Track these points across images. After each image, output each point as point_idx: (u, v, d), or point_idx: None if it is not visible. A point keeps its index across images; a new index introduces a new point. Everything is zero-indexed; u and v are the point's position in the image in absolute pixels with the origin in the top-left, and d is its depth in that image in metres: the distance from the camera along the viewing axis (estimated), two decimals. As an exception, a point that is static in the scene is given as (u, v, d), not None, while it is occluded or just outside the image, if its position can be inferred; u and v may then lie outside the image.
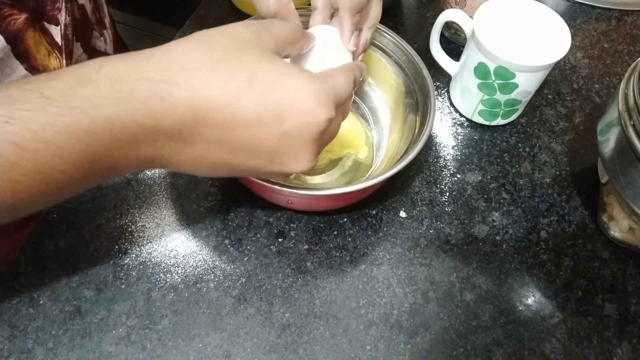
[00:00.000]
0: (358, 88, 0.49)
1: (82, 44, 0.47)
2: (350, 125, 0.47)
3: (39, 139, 0.21)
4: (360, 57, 0.38)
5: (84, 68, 0.23)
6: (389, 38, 0.43)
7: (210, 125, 0.24)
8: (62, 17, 0.42)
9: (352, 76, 0.30)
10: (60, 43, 0.42)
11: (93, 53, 0.49)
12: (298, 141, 0.26)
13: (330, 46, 0.34)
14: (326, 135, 0.28)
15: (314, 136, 0.26)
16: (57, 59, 0.42)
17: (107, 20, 0.54)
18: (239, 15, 0.57)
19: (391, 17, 0.58)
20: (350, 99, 0.31)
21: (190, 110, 0.24)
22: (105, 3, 0.55)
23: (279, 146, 0.26)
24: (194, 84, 0.24)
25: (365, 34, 0.37)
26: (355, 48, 0.35)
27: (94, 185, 0.26)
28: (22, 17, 0.38)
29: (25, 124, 0.21)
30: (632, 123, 0.35)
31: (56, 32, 0.42)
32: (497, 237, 0.43)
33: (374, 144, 0.47)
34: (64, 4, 0.42)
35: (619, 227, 0.42)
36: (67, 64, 0.43)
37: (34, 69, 0.40)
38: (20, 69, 0.39)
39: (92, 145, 0.23)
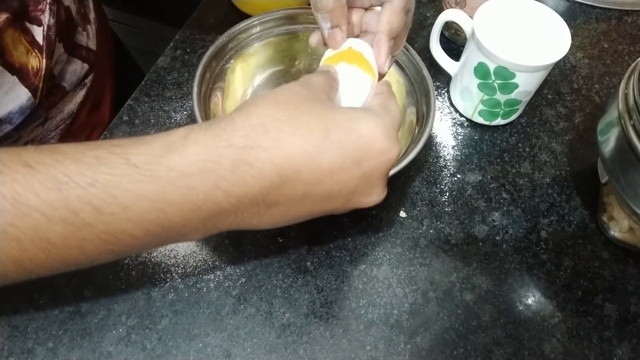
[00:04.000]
0: None
1: (65, 44, 0.46)
2: None
3: (119, 204, 0.22)
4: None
5: (170, 136, 0.24)
6: (389, 38, 0.43)
7: (295, 182, 0.25)
8: (46, 18, 0.42)
9: (395, 98, 0.31)
10: (41, 43, 0.42)
11: (74, 49, 0.49)
12: (374, 179, 0.27)
13: (353, 76, 0.33)
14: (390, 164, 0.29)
15: (388, 171, 0.28)
16: (37, 58, 0.42)
17: (91, 15, 0.53)
18: (239, 15, 0.57)
19: (391, 17, 0.58)
20: None
21: (277, 171, 0.24)
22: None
23: (357, 187, 0.27)
24: (278, 144, 0.24)
25: (392, 61, 0.37)
26: (387, 71, 0.35)
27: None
28: (2, 17, 0.38)
29: (108, 188, 0.22)
30: (632, 123, 0.35)
31: (38, 32, 0.41)
32: (497, 237, 0.43)
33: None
34: (48, 6, 0.42)
35: (619, 227, 0.42)
36: (47, 63, 0.42)
37: (9, 65, 0.40)
38: None
39: (169, 215, 0.23)
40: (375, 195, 0.29)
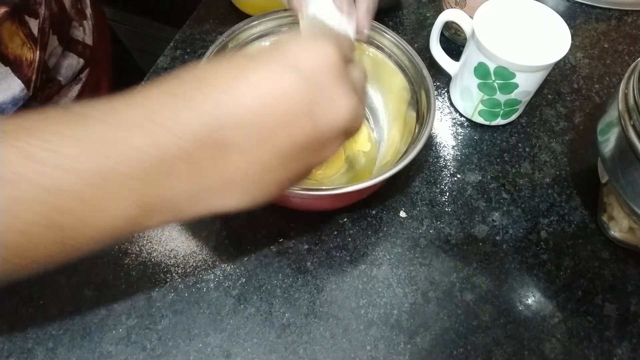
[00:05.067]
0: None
1: (59, 36, 0.46)
2: None
3: (54, 150, 0.20)
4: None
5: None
6: (389, 38, 0.43)
7: (236, 116, 0.22)
8: (42, 10, 0.42)
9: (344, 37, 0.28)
10: (36, 35, 0.42)
11: (69, 43, 0.49)
12: (324, 82, 0.23)
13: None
14: (351, 77, 0.25)
15: (333, 68, 0.24)
16: (31, 50, 0.42)
17: (88, 11, 0.53)
18: (239, 15, 0.57)
19: (391, 17, 0.58)
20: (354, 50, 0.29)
21: (215, 113, 0.22)
22: None
23: (311, 97, 0.23)
24: (203, 89, 0.23)
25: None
26: (367, 33, 0.35)
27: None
28: (1, 10, 0.38)
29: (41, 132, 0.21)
30: (632, 123, 0.35)
31: (34, 24, 0.41)
32: (497, 237, 0.43)
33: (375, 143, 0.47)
34: None
35: (619, 227, 0.42)
36: (41, 55, 0.42)
37: (4, 56, 0.40)
38: None
39: (112, 161, 0.21)
40: (342, 105, 0.24)
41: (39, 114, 0.21)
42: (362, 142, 0.47)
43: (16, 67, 0.41)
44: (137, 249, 0.41)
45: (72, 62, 0.49)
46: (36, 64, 0.42)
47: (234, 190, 0.24)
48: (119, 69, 0.62)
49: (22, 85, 0.42)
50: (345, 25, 0.35)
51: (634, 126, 0.34)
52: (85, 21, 0.52)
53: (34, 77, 0.43)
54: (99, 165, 0.21)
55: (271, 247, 0.42)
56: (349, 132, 0.25)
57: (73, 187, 0.20)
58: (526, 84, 0.44)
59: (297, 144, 0.23)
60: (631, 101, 0.35)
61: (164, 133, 0.21)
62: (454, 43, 0.57)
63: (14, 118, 0.21)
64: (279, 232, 0.42)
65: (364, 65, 0.31)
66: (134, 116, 0.21)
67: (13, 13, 0.39)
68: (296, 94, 0.22)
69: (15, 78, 0.41)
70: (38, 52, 0.42)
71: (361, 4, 0.36)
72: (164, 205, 0.23)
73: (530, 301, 0.40)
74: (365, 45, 0.45)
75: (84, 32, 0.52)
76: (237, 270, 0.40)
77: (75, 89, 0.51)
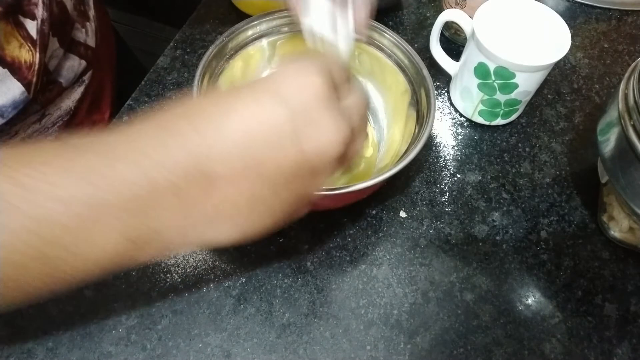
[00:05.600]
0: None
1: (59, 39, 0.46)
2: None
3: (46, 181, 0.21)
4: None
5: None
6: (389, 38, 0.43)
7: (222, 149, 0.22)
8: (39, 12, 0.42)
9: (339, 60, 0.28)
10: (35, 37, 0.41)
11: (71, 45, 0.49)
12: (309, 110, 0.23)
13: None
14: (341, 102, 0.25)
15: (318, 96, 0.23)
16: (30, 52, 0.41)
17: (91, 13, 0.53)
18: (238, 15, 0.57)
19: (391, 17, 0.58)
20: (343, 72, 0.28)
21: (195, 130, 0.22)
22: None
23: (295, 125, 0.23)
24: (194, 111, 0.23)
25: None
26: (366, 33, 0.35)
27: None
28: None
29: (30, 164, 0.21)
30: (632, 123, 0.35)
31: (32, 26, 0.41)
32: (497, 237, 0.43)
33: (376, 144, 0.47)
34: (41, 0, 0.41)
35: (619, 227, 0.42)
36: (41, 58, 0.42)
37: (0, 58, 0.39)
38: None
39: (100, 191, 0.21)
40: (328, 129, 0.23)
41: (33, 145, 0.22)
42: (365, 147, 0.46)
43: (15, 70, 0.41)
44: (137, 249, 0.41)
45: (73, 64, 0.49)
46: (36, 66, 0.42)
47: (224, 223, 0.24)
48: (122, 69, 0.62)
49: (23, 89, 0.42)
50: (342, 32, 0.34)
51: (634, 126, 0.34)
52: (88, 23, 0.52)
53: (34, 80, 0.42)
54: (88, 196, 0.21)
55: (271, 247, 0.42)
56: (342, 158, 0.25)
57: (61, 217, 0.20)
58: (526, 84, 0.44)
59: (285, 172, 0.23)
60: (631, 101, 0.35)
61: (153, 166, 0.21)
62: (454, 43, 0.57)
63: (7, 148, 0.21)
64: (279, 232, 0.42)
65: (360, 86, 0.30)
66: (125, 149, 0.22)
67: (7, 13, 0.39)
68: (281, 124, 0.22)
69: (15, 81, 0.41)
70: (38, 55, 0.42)
71: (358, 3, 0.36)
72: (153, 237, 0.23)
73: (530, 301, 0.40)
74: (365, 45, 0.45)
75: (87, 34, 0.52)
76: (237, 270, 0.40)
77: (78, 91, 0.51)
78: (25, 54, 0.41)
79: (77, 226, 0.21)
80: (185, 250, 0.24)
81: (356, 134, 0.26)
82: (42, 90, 0.45)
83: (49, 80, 0.46)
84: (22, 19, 0.40)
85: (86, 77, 0.52)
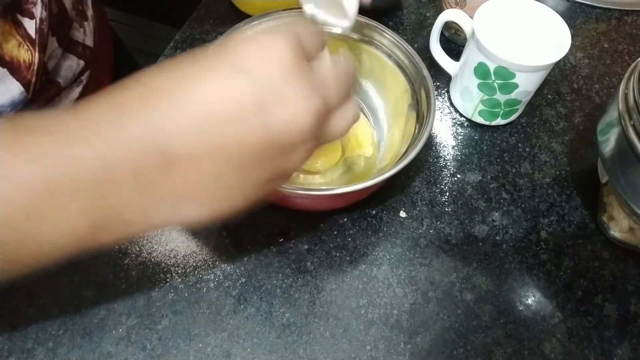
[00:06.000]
0: (358, 89, 0.49)
1: (58, 38, 0.46)
2: (361, 124, 0.48)
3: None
4: None
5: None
6: (389, 38, 0.43)
7: (179, 126, 0.21)
8: (38, 11, 0.41)
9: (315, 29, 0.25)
10: (34, 36, 0.41)
11: (69, 44, 0.49)
12: (274, 83, 0.21)
13: None
14: (315, 74, 0.23)
15: (284, 68, 0.22)
16: (29, 52, 0.41)
17: (89, 12, 0.53)
18: (238, 15, 0.57)
19: (391, 17, 0.58)
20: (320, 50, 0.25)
21: (157, 120, 0.21)
22: None
23: (260, 98, 0.21)
24: (146, 95, 0.22)
25: None
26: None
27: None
28: None
29: None
30: (632, 123, 0.35)
31: (30, 25, 0.41)
32: (497, 237, 0.43)
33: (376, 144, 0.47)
34: None
35: (619, 227, 0.42)
36: (40, 57, 0.42)
37: (0, 58, 0.39)
38: None
39: (50, 172, 0.21)
40: (295, 101, 0.22)
41: None
42: (365, 146, 0.46)
43: (14, 69, 0.41)
44: (137, 249, 0.41)
45: (71, 64, 0.49)
46: (35, 66, 0.42)
47: (190, 202, 0.23)
48: (120, 69, 0.62)
49: (22, 88, 0.42)
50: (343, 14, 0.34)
51: (634, 126, 0.34)
52: (86, 22, 0.52)
53: (33, 80, 0.42)
54: (42, 178, 0.20)
55: (271, 247, 0.42)
56: (317, 133, 0.23)
57: (16, 199, 0.20)
58: (526, 84, 0.44)
59: (251, 149, 0.22)
60: (631, 101, 0.35)
61: (107, 145, 0.21)
62: (454, 43, 0.57)
63: None
64: (279, 232, 0.42)
65: (346, 55, 0.27)
66: (80, 128, 0.21)
67: (5, 12, 0.39)
68: (244, 99, 0.21)
69: (14, 81, 0.41)
70: (37, 55, 0.42)
71: None
72: (114, 217, 0.22)
73: (530, 301, 0.40)
74: (365, 45, 0.45)
75: (85, 34, 0.52)
76: (237, 270, 0.40)
77: (76, 91, 0.51)
78: (24, 54, 0.41)
79: (32, 208, 0.20)
80: (153, 231, 0.23)
81: (333, 105, 0.24)
82: (40, 90, 0.45)
83: (48, 80, 0.46)
84: (20, 17, 0.40)
85: (84, 77, 0.52)
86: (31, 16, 0.41)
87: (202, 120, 0.21)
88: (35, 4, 0.41)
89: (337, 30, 0.41)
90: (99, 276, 0.39)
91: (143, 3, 1.05)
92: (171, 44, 0.54)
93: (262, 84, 0.21)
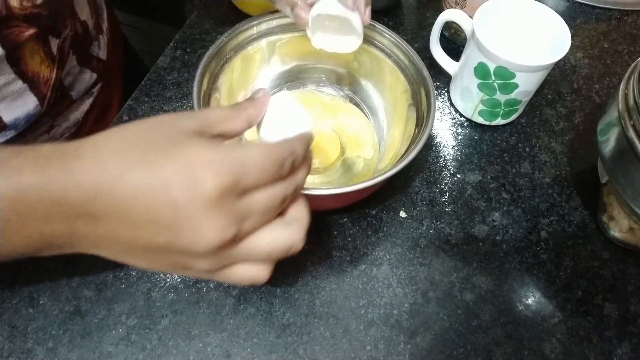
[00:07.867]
0: (358, 89, 0.49)
1: (78, 57, 0.47)
2: (363, 126, 0.48)
3: None
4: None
5: (22, 147, 0.24)
6: (389, 38, 0.43)
7: (109, 198, 0.24)
8: (66, 31, 0.42)
9: (278, 150, 0.26)
10: (55, 53, 0.42)
11: (86, 59, 0.49)
12: (192, 210, 0.24)
13: (287, 111, 0.32)
14: (240, 207, 0.25)
15: (206, 202, 0.24)
16: (49, 68, 0.42)
17: (104, 25, 0.53)
18: (238, 15, 0.57)
19: (391, 17, 0.58)
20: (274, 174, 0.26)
21: (94, 183, 0.24)
22: (106, 6, 0.55)
23: (176, 216, 0.24)
24: (98, 158, 0.24)
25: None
26: (368, 21, 0.39)
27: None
28: (30, 32, 0.38)
29: None
30: (632, 123, 0.35)
31: (54, 43, 0.42)
32: (497, 237, 0.43)
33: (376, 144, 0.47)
34: (69, 20, 0.42)
35: (619, 227, 0.42)
36: (57, 73, 0.43)
37: (22, 73, 0.40)
38: (8, 72, 0.39)
39: (6, 212, 0.23)
40: (203, 230, 0.24)
41: None
42: (366, 148, 0.46)
43: (33, 84, 0.41)
44: (137, 249, 0.41)
45: (85, 77, 0.50)
46: (52, 81, 0.42)
47: (106, 251, 0.26)
48: (129, 73, 0.62)
49: (37, 102, 0.42)
50: (308, 123, 0.32)
51: (634, 126, 0.34)
52: (101, 36, 0.52)
53: (48, 94, 0.43)
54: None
55: (271, 247, 0.42)
56: (226, 254, 0.26)
57: None
58: (526, 84, 0.44)
59: (157, 247, 0.25)
60: (631, 101, 0.35)
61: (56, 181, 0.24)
62: (454, 43, 0.57)
63: None
64: (279, 232, 0.42)
65: (308, 138, 0.29)
66: (29, 165, 0.24)
67: (40, 34, 0.39)
68: (163, 210, 0.24)
69: (32, 95, 0.41)
70: (55, 71, 0.42)
71: None
72: (56, 242, 0.25)
73: (530, 301, 0.40)
74: (365, 45, 0.45)
75: (99, 47, 0.52)
76: (237, 270, 0.40)
77: (87, 102, 0.51)
78: (44, 69, 0.42)
79: None
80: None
81: (250, 232, 0.27)
82: (53, 103, 0.45)
83: (62, 94, 0.46)
84: (50, 37, 0.41)
85: (95, 90, 0.52)
86: (58, 36, 0.41)
87: (126, 207, 0.24)
88: (67, 26, 0.41)
89: (349, 51, 0.42)
90: (99, 276, 0.39)
91: (143, 3, 1.05)
92: (171, 44, 0.54)
93: (180, 206, 0.24)
